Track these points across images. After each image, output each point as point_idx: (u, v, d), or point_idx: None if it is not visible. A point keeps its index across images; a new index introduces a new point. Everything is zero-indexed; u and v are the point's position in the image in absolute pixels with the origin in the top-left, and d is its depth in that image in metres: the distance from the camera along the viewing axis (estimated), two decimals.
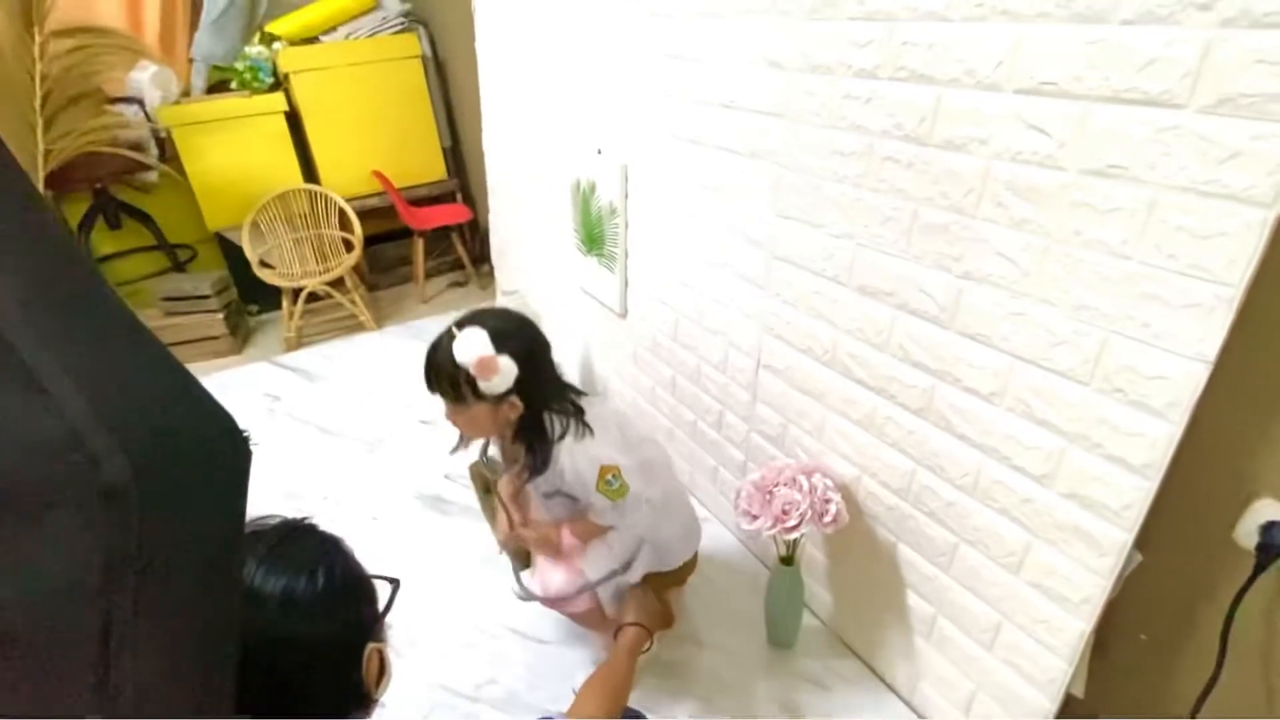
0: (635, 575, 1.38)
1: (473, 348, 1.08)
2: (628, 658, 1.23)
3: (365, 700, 0.74)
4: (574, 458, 1.20)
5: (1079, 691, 1.07)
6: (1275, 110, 0.68)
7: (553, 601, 1.40)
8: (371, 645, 0.74)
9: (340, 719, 0.72)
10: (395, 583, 0.79)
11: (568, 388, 1.28)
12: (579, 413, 1.24)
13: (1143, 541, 0.91)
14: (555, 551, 1.37)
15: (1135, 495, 0.88)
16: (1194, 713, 0.94)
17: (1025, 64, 0.86)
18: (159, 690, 0.34)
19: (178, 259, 3.50)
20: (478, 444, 1.43)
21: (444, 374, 1.12)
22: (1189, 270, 0.77)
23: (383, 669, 0.76)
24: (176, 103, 3.17)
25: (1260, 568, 0.84)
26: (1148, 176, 0.78)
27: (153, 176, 3.31)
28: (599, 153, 1.94)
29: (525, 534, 1.35)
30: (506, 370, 1.10)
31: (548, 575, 1.37)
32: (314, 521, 0.77)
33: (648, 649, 1.30)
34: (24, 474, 0.33)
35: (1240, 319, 0.75)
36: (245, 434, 0.42)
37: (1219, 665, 0.90)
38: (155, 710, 0.34)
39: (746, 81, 1.31)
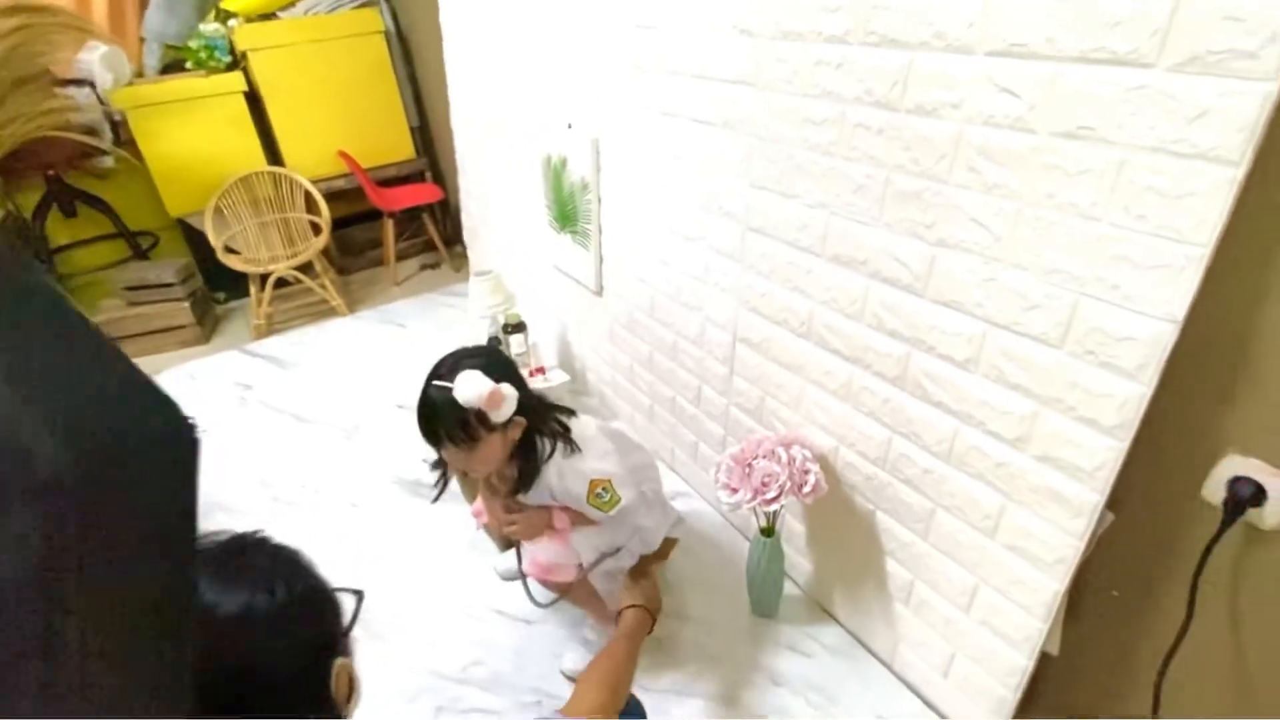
0: (626, 561, 1.40)
1: (476, 386, 1.11)
2: (628, 643, 1.17)
3: None
4: (563, 475, 1.25)
5: (1054, 649, 1.10)
6: (1242, 67, 0.68)
7: (541, 573, 1.39)
8: (339, 661, 0.70)
9: None
10: (359, 594, 0.75)
11: (552, 406, 1.31)
12: (566, 431, 1.28)
13: (1113, 500, 0.92)
14: (546, 532, 1.37)
15: (1107, 456, 0.89)
16: (1164, 664, 0.97)
17: (995, 25, 0.85)
18: (110, 689, 0.32)
19: (139, 246, 3.39)
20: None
21: (452, 421, 1.13)
22: (1158, 231, 0.77)
23: (352, 687, 0.72)
24: (130, 84, 3.04)
25: (1227, 522, 0.86)
26: (1117, 137, 0.78)
27: (108, 162, 3.19)
28: (569, 127, 1.90)
29: (514, 531, 1.37)
30: (510, 395, 1.14)
31: (536, 548, 1.38)
32: (266, 535, 0.72)
33: (650, 632, 1.26)
34: None
35: (1208, 277, 0.75)
36: (192, 423, 0.40)
37: (1188, 618, 0.93)
38: (107, 708, 0.32)
39: (717, 50, 1.29)
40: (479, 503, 1.53)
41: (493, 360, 1.19)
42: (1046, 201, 0.86)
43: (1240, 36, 0.67)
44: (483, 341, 2.35)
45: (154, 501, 0.36)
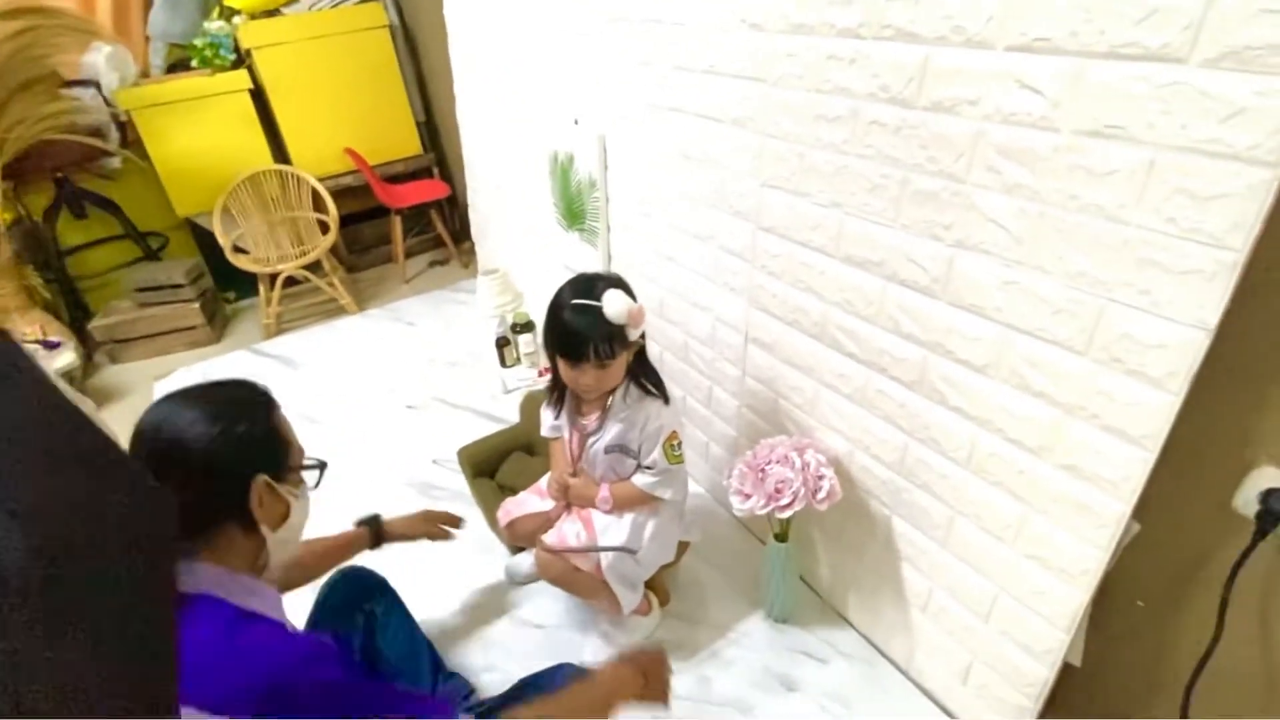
0: (645, 567, 1.41)
1: (624, 304, 1.19)
2: (609, 699, 1.01)
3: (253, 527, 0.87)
4: (658, 414, 1.33)
5: (1076, 660, 1.07)
6: None
7: (555, 564, 1.38)
8: (261, 478, 0.86)
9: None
10: (323, 465, 1.00)
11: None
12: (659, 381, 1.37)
13: (1140, 510, 0.89)
14: (589, 504, 1.41)
15: (1133, 466, 0.86)
16: (1193, 677, 0.94)
17: (1017, 19, 0.82)
18: None
19: (150, 247, 3.40)
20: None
21: (600, 338, 1.20)
22: (1189, 234, 0.74)
23: (284, 513, 0.92)
24: (135, 84, 3.04)
25: (1260, 535, 0.83)
26: (1146, 136, 0.75)
27: (115, 162, 3.19)
28: (576, 123, 1.87)
29: (575, 482, 1.42)
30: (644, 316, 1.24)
31: (564, 528, 1.40)
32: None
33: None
34: None
35: (1243, 283, 0.72)
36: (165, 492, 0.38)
37: (1218, 632, 0.90)
38: None
39: (725, 45, 1.25)
40: (504, 507, 1.52)
41: (623, 281, 1.27)
42: (1070, 203, 0.83)
43: (1279, 31, 0.63)
44: (492, 339, 2.34)
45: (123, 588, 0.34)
